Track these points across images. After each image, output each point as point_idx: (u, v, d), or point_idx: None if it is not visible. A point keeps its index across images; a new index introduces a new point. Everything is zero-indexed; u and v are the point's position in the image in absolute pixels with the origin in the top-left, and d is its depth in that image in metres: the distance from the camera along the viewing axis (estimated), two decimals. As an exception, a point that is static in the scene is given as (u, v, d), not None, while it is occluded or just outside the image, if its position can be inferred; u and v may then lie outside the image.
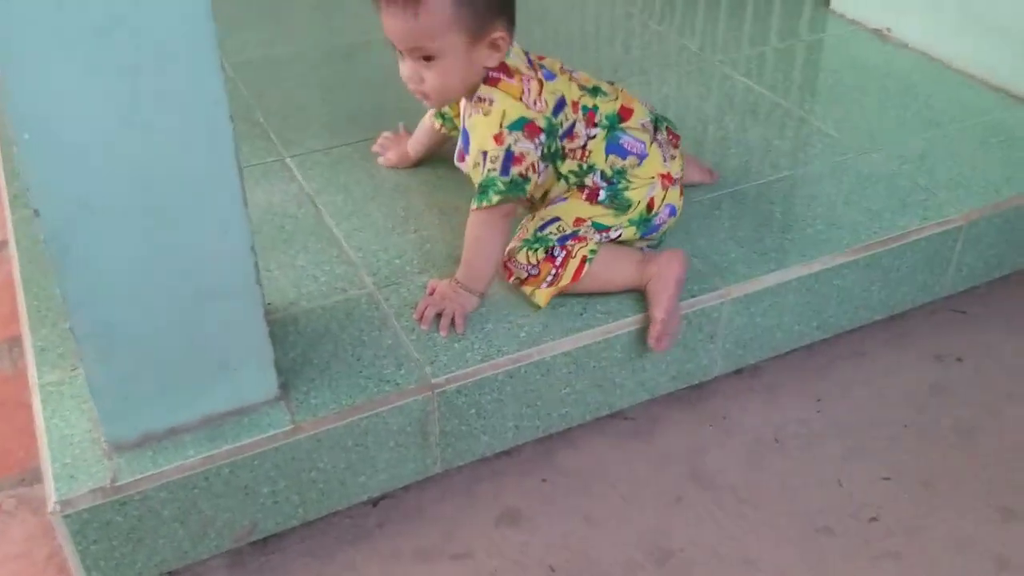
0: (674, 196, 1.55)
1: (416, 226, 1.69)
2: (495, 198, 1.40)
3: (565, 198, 1.51)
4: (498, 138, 1.38)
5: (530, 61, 1.46)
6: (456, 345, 1.42)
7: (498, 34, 1.37)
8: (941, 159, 1.85)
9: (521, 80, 1.41)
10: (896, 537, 1.42)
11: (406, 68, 1.40)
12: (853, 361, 1.72)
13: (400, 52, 1.40)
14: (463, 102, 1.48)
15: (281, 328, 1.45)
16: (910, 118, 2.00)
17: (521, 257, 1.47)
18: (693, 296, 1.51)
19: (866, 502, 1.47)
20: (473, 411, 1.40)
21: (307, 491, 1.34)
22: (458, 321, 1.44)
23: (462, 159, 1.50)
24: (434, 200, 1.76)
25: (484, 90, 1.40)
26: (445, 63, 1.36)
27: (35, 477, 1.50)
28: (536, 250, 1.47)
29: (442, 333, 1.43)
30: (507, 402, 1.43)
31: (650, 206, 1.52)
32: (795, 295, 1.59)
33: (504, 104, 1.39)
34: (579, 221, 1.49)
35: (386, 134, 1.86)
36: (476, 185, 1.43)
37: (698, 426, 1.59)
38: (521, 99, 1.40)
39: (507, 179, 1.39)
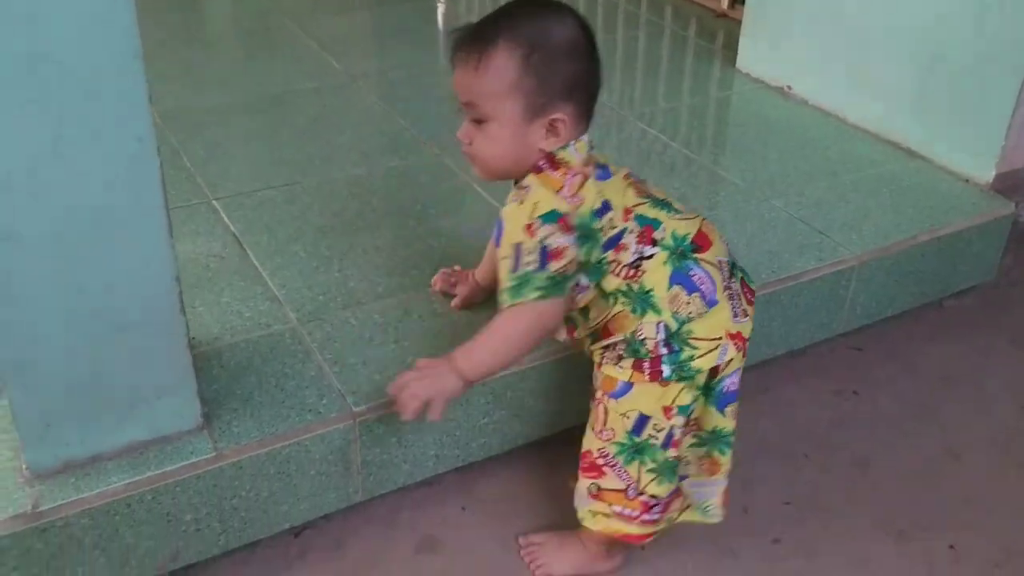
0: (740, 360, 1.33)
1: (340, 266, 1.74)
2: (533, 294, 1.23)
3: (630, 384, 1.30)
4: (530, 229, 1.23)
5: (590, 160, 1.30)
6: (377, 376, 1.47)
7: (558, 116, 1.25)
8: (836, 206, 1.98)
9: (565, 175, 1.26)
10: (797, 559, 1.50)
11: (463, 128, 1.30)
12: (758, 396, 1.81)
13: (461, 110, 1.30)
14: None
15: (205, 361, 1.48)
16: (809, 169, 2.13)
17: (632, 470, 1.33)
18: (605, 330, 1.58)
19: (769, 526, 1.55)
20: (395, 440, 1.45)
21: (229, 519, 1.36)
22: (436, 406, 1.28)
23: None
24: (358, 241, 1.82)
25: (528, 178, 1.27)
26: (495, 129, 1.26)
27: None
28: (646, 467, 1.33)
29: (407, 416, 1.29)
30: (427, 432, 1.47)
31: (714, 372, 1.31)
32: (701, 331, 1.67)
33: (539, 194, 1.25)
34: (668, 411, 1.30)
35: (446, 270, 1.68)
36: (504, 281, 1.25)
37: (611, 457, 1.65)
38: (559, 192, 1.25)
39: (544, 274, 1.23)
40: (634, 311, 1.29)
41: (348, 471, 1.43)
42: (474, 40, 1.24)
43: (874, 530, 1.55)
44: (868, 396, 1.84)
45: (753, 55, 2.61)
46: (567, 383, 1.56)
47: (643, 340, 1.28)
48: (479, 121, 1.26)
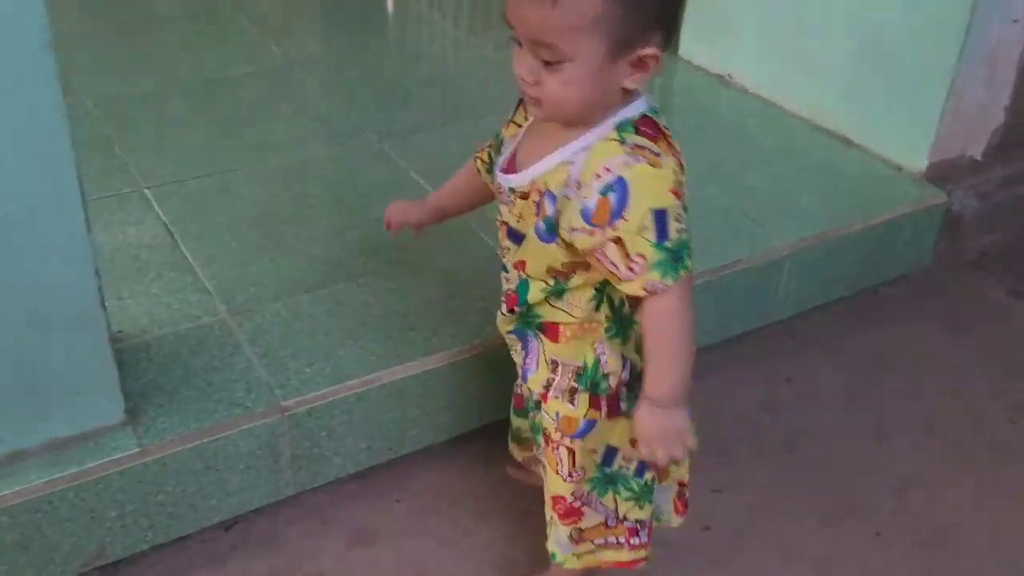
0: None
1: (272, 256, 1.72)
2: (690, 262, 1.06)
3: (592, 421, 1.20)
4: (677, 193, 1.04)
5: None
6: (307, 369, 1.46)
7: (649, 51, 1.03)
8: (771, 195, 2.00)
9: (670, 149, 1.07)
10: (727, 546, 1.52)
11: (523, 63, 1.05)
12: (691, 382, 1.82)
13: (517, 41, 1.05)
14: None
15: (131, 355, 1.46)
16: (745, 157, 2.15)
17: (608, 501, 1.26)
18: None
19: (699, 513, 1.56)
20: (324, 433, 1.44)
21: (156, 515, 1.35)
22: (688, 443, 1.14)
23: (511, 171, 1.15)
24: (292, 231, 1.80)
25: (640, 139, 1.05)
26: (573, 71, 1.02)
27: None
28: (621, 496, 1.25)
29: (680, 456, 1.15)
30: (358, 424, 1.47)
31: None
32: (635, 320, 1.68)
33: (673, 164, 1.05)
34: (636, 442, 1.18)
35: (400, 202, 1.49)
36: (647, 257, 1.04)
37: (546, 446, 1.66)
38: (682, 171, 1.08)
39: (689, 238, 1.06)
40: (608, 332, 1.16)
41: (277, 465, 1.42)
42: None
43: (804, 516, 1.57)
44: (800, 382, 1.86)
45: (694, 43, 2.62)
46: (499, 375, 1.55)
47: (607, 375, 1.18)
48: (549, 63, 1.03)
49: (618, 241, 1.03)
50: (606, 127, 1.06)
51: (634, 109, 1.07)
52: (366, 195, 1.94)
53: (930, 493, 1.62)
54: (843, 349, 1.95)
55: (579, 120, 1.07)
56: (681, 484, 1.36)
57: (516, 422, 1.43)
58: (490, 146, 1.28)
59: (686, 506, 1.38)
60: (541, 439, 1.26)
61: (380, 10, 3.07)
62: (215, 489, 1.38)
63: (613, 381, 1.18)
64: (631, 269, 1.04)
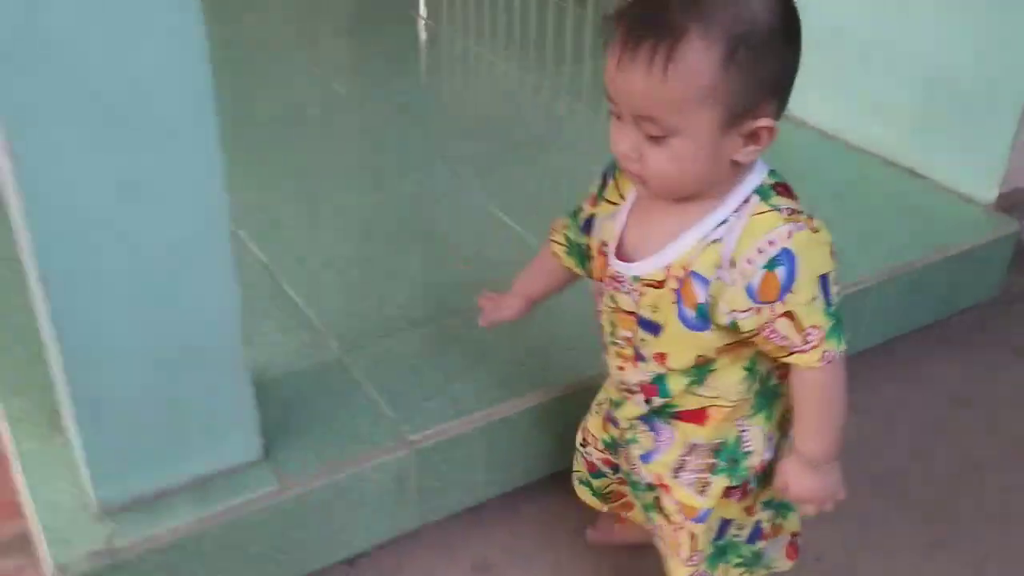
0: None
1: (374, 292, 1.75)
2: (845, 336, 1.03)
3: (710, 509, 1.15)
4: (834, 253, 1.01)
5: None
6: (427, 403, 1.48)
7: (763, 123, 0.96)
8: (846, 227, 2.01)
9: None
10: (840, 575, 1.54)
11: (624, 138, 0.99)
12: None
13: (616, 115, 0.99)
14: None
15: (256, 393, 1.48)
16: (814, 191, 2.14)
17: (719, 573, 1.21)
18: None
19: (811, 543, 1.58)
20: (446, 467, 1.46)
21: (290, 550, 1.37)
22: (842, 498, 1.14)
23: (623, 258, 1.08)
24: (387, 266, 1.83)
25: (789, 202, 1.01)
26: (681, 146, 0.96)
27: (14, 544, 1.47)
28: (732, 563, 1.21)
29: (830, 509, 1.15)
30: (478, 457, 1.49)
31: None
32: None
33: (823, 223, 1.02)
34: (751, 509, 1.19)
35: (491, 294, 1.37)
36: (819, 327, 1.00)
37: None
38: None
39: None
40: (753, 407, 1.11)
41: (403, 499, 1.44)
42: (653, 31, 0.91)
43: (910, 545, 1.59)
44: (883, 413, 1.89)
45: (749, 78, 2.66)
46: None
47: (748, 453, 1.13)
48: (655, 138, 0.96)
49: (789, 315, 0.99)
50: (741, 195, 1.00)
51: (761, 172, 1.03)
52: (453, 229, 1.97)
53: (1028, 524, 1.65)
54: (921, 380, 1.97)
55: (689, 196, 1.01)
56: (794, 534, 1.32)
57: (596, 482, 1.37)
58: (565, 227, 1.22)
59: (797, 552, 1.35)
60: (657, 518, 1.21)
61: (428, 49, 3.13)
62: (346, 523, 1.40)
63: (755, 460, 1.13)
64: (807, 341, 1.00)
